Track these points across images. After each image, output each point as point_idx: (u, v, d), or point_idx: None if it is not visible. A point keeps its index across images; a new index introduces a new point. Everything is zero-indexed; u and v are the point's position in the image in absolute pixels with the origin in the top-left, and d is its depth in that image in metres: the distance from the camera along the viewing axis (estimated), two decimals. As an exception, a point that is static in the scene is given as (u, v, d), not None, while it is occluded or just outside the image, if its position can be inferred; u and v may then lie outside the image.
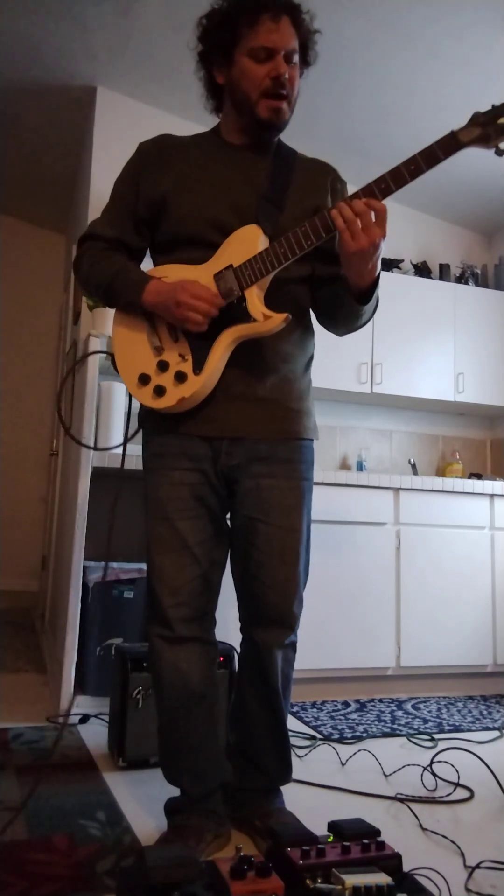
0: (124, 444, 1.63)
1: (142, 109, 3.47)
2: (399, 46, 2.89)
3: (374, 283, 1.47)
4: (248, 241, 1.45)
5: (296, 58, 1.49)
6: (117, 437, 2.71)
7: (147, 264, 1.59)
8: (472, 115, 1.32)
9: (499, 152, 1.34)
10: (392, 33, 2.82)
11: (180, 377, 1.46)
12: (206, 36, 1.52)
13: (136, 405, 1.59)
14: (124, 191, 1.59)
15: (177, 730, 1.54)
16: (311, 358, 1.65)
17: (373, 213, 1.34)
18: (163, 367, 1.48)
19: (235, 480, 1.54)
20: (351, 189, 1.44)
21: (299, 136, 1.72)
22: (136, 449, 1.67)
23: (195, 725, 1.54)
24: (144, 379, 1.50)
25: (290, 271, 1.49)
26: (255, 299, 1.43)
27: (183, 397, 1.46)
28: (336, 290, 1.54)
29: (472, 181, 3.75)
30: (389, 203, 1.36)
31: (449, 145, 1.32)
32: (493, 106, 1.31)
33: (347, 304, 1.51)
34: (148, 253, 1.65)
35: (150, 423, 1.58)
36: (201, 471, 1.52)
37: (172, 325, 1.49)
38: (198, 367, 1.46)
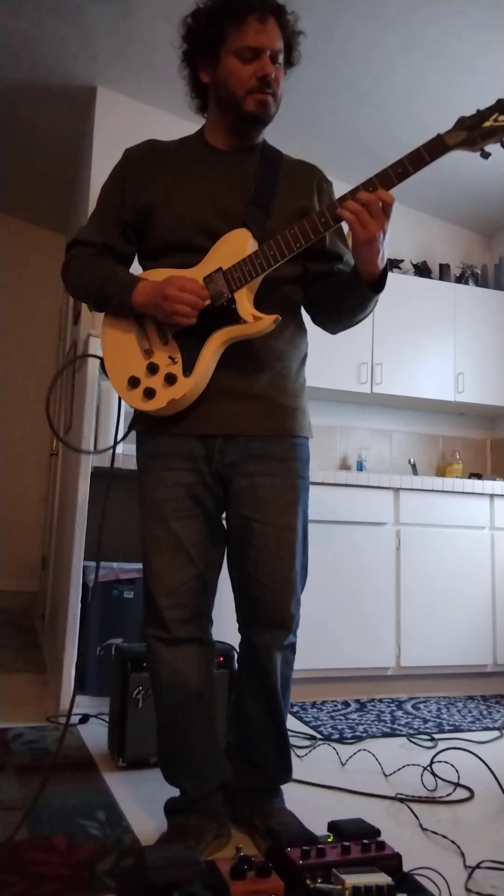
0: (113, 448, 1.62)
1: (142, 109, 3.47)
2: (404, 48, 2.90)
3: (385, 271, 1.49)
4: (237, 245, 1.45)
5: (280, 58, 1.50)
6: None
7: (135, 270, 1.58)
8: (458, 119, 1.32)
9: (484, 155, 1.34)
10: (397, 35, 2.83)
11: (170, 379, 1.46)
12: (191, 35, 1.52)
13: (128, 408, 1.59)
14: (110, 197, 1.59)
15: (176, 730, 1.54)
16: (305, 357, 1.65)
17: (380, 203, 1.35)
18: (152, 369, 1.48)
19: (230, 479, 1.53)
20: (343, 188, 1.44)
21: (305, 136, 1.71)
22: (133, 448, 1.66)
23: (194, 726, 1.54)
24: (134, 382, 1.50)
25: (281, 271, 1.49)
26: (244, 301, 1.43)
27: (173, 399, 1.46)
28: (345, 280, 1.54)
29: (472, 181, 3.75)
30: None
31: (436, 148, 1.33)
32: (478, 110, 1.31)
33: (358, 295, 1.51)
34: (136, 260, 1.64)
35: (144, 425, 1.57)
36: (196, 470, 1.52)
37: (162, 328, 1.49)
38: (188, 369, 1.45)
